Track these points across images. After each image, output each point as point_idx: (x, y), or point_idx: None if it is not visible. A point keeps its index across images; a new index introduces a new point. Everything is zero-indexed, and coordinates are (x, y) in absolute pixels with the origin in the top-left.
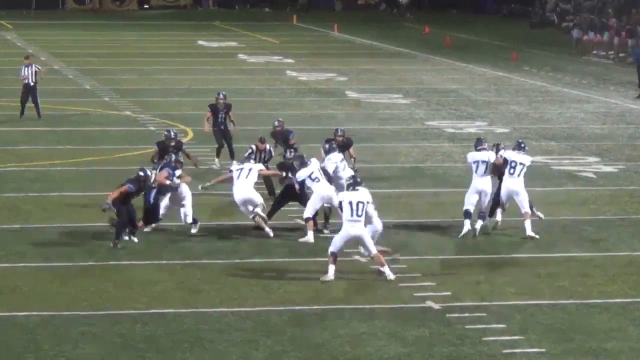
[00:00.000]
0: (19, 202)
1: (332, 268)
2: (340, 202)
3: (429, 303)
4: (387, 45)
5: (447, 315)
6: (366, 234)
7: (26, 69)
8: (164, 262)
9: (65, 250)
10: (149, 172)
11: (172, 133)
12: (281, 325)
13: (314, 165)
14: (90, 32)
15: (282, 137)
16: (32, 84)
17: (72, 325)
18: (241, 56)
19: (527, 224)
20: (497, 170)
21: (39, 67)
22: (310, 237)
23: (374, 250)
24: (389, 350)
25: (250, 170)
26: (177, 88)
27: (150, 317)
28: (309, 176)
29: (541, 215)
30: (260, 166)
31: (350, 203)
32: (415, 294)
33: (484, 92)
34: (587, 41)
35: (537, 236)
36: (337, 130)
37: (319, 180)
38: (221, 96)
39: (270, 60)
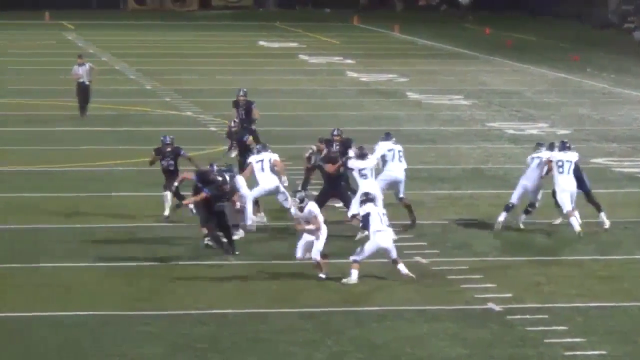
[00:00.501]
0: (81, 202)
1: (356, 273)
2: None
3: (490, 305)
4: (448, 46)
5: (508, 317)
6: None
7: (79, 67)
8: (226, 262)
9: (127, 250)
10: (227, 176)
11: (167, 138)
12: (342, 326)
13: (370, 162)
14: (151, 33)
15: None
16: (87, 82)
17: (134, 325)
18: (302, 57)
19: (574, 220)
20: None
21: (93, 65)
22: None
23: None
24: (449, 352)
25: (270, 160)
26: (237, 88)
27: (212, 317)
28: (360, 170)
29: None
30: (276, 155)
31: (378, 214)
32: (476, 296)
33: (546, 94)
34: None
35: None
36: (334, 130)
37: (367, 177)
38: (242, 93)
39: (331, 61)
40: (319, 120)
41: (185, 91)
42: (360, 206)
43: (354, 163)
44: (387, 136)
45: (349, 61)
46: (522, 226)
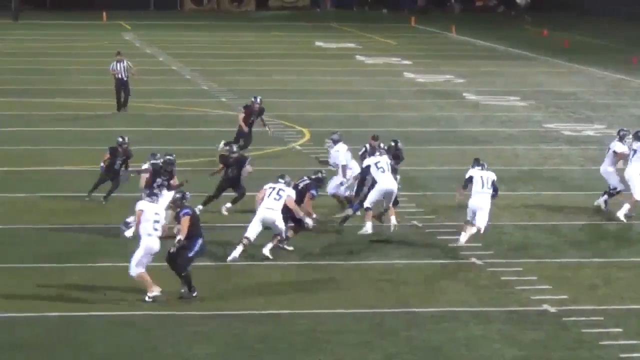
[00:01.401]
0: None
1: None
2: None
3: (545, 306)
4: (505, 47)
5: (564, 318)
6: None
7: (118, 64)
8: (280, 262)
9: None
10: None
11: (124, 139)
12: (396, 327)
13: (383, 157)
14: (208, 33)
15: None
16: (125, 78)
17: (187, 325)
18: (359, 57)
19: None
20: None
21: (130, 64)
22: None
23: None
24: (504, 354)
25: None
26: (294, 89)
27: (266, 317)
28: (376, 164)
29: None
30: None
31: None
32: (531, 297)
33: (603, 95)
34: None
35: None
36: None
37: (384, 170)
38: (258, 100)
39: (388, 61)
40: (376, 121)
41: (241, 91)
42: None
43: (367, 160)
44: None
45: (406, 62)
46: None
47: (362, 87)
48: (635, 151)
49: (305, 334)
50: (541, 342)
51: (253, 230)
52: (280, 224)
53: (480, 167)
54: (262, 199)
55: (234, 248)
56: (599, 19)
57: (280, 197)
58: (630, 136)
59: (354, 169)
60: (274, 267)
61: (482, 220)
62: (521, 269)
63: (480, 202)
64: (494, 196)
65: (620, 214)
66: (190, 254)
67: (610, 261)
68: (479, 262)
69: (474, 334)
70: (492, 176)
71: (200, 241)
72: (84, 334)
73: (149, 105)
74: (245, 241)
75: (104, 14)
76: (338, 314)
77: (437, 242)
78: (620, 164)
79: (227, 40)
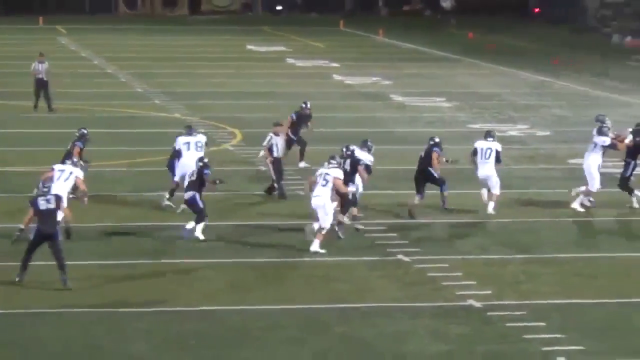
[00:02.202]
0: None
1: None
2: None
3: (470, 301)
4: (431, 50)
5: (488, 313)
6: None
7: (39, 65)
8: (216, 260)
9: (117, 249)
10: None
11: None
12: (327, 322)
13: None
14: (142, 37)
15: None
16: (45, 79)
17: (126, 322)
18: (289, 60)
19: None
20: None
21: (47, 66)
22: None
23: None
24: (431, 348)
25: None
26: (226, 91)
27: (201, 314)
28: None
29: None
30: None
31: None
32: (457, 293)
33: (526, 96)
34: (627, 46)
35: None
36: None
37: None
38: (308, 106)
39: (318, 64)
40: None
41: (174, 94)
42: None
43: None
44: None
45: (335, 64)
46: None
47: (292, 89)
48: (595, 144)
49: (238, 330)
50: (467, 337)
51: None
52: (329, 209)
53: (486, 139)
54: (312, 185)
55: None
56: (523, 23)
57: (327, 181)
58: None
59: None
60: (208, 265)
61: (495, 187)
62: (447, 265)
63: (483, 171)
64: (496, 164)
65: (576, 204)
66: None
67: (533, 257)
68: (406, 259)
69: (402, 329)
70: (493, 147)
71: None
72: (26, 332)
73: (84, 107)
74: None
75: (40, 18)
76: (270, 310)
77: (366, 240)
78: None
79: (160, 44)
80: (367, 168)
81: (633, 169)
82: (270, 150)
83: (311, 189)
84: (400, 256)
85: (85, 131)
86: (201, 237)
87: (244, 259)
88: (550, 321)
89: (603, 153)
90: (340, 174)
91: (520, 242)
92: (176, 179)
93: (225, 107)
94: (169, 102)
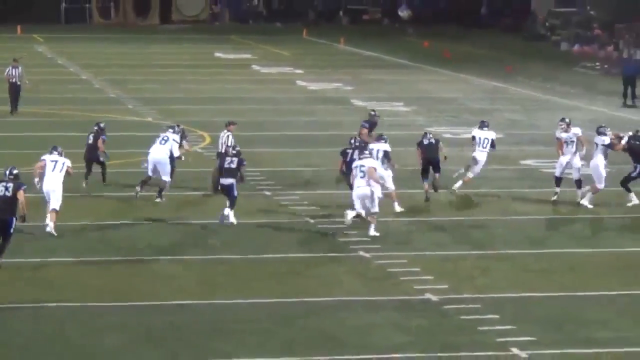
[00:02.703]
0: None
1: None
2: None
3: (428, 295)
4: (389, 57)
5: (445, 306)
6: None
7: (13, 70)
8: (185, 257)
9: (92, 247)
10: None
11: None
12: (293, 315)
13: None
14: (116, 45)
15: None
16: (18, 83)
17: (99, 317)
18: (255, 67)
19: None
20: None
21: (21, 71)
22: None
23: None
24: (392, 339)
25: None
26: (196, 97)
27: (172, 308)
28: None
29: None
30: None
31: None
32: (415, 287)
33: (480, 101)
34: (574, 53)
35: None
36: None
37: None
38: (377, 114)
39: (282, 70)
40: (272, 126)
41: (146, 99)
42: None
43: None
44: None
45: (299, 71)
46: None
47: (258, 95)
48: (596, 145)
49: (208, 323)
50: (425, 329)
51: (357, 206)
52: (375, 195)
53: (481, 128)
54: (353, 179)
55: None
56: (477, 31)
57: (364, 172)
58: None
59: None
60: (179, 261)
61: (477, 170)
62: (406, 261)
63: (478, 156)
64: (491, 150)
65: (585, 201)
66: None
67: (487, 253)
68: (367, 255)
69: (364, 321)
70: (489, 136)
71: None
72: (1, 326)
73: (61, 112)
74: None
75: (18, 27)
76: (239, 304)
77: (328, 237)
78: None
79: (133, 52)
80: (386, 154)
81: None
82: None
83: (352, 182)
84: (361, 253)
85: (103, 125)
86: (234, 221)
87: (213, 255)
88: (503, 314)
89: (606, 154)
90: (374, 163)
91: (474, 238)
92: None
93: (194, 112)
94: (142, 107)
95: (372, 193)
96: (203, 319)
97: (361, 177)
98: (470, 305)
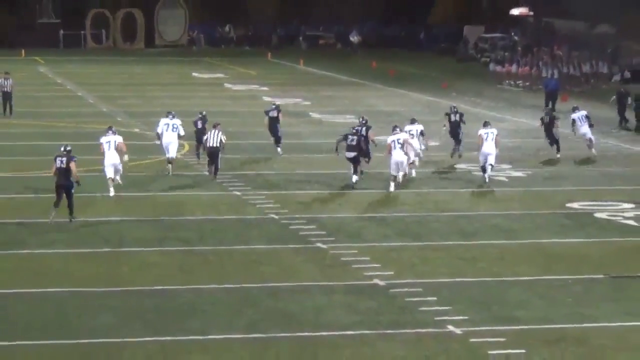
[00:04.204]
0: (51, 201)
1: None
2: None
3: (375, 281)
4: (342, 76)
5: (391, 290)
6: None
7: (5, 81)
8: (166, 248)
9: (86, 239)
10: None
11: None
12: (259, 298)
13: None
14: (107, 66)
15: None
16: (9, 91)
17: (93, 299)
18: (227, 85)
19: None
20: None
21: (12, 82)
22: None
23: None
24: (345, 319)
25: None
26: (176, 110)
27: (156, 292)
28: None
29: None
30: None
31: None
32: (365, 274)
33: (420, 114)
34: (501, 73)
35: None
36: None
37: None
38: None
39: (250, 88)
40: (242, 136)
41: (133, 113)
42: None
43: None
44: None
45: (264, 88)
46: None
47: (230, 109)
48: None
49: (187, 305)
50: (373, 309)
51: (393, 171)
52: (406, 161)
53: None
54: (390, 149)
55: (389, 184)
56: (418, 54)
57: (401, 144)
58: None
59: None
60: (161, 252)
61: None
62: (357, 251)
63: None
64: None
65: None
66: None
67: (427, 244)
68: (323, 246)
69: (320, 303)
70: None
71: None
72: (9, 309)
73: (60, 124)
74: (393, 179)
75: (23, 51)
76: (212, 288)
77: (290, 231)
78: None
79: (121, 72)
80: (422, 132)
81: None
82: (206, 140)
83: (390, 152)
84: (319, 244)
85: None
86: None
87: (190, 247)
88: (440, 296)
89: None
90: (406, 135)
91: (414, 232)
92: (167, 154)
93: None
94: (129, 119)
95: (406, 159)
96: (182, 301)
97: (399, 148)
98: (412, 289)
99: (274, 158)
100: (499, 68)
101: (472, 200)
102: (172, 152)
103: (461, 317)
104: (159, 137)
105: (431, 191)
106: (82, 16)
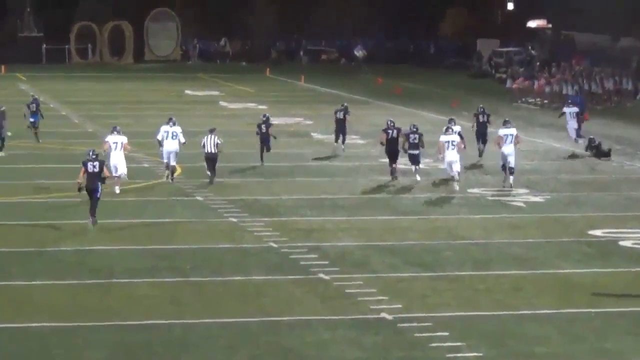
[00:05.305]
0: (36, 229)
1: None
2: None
3: (383, 314)
4: (346, 94)
5: (399, 324)
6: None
7: None
8: (157, 279)
9: (72, 269)
10: None
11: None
12: (257, 333)
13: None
14: (93, 83)
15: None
16: None
17: (78, 334)
18: (222, 103)
19: None
20: None
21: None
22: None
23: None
24: (348, 355)
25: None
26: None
27: (146, 327)
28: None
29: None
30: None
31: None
32: (371, 307)
33: (429, 133)
34: (517, 90)
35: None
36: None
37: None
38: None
39: (247, 106)
40: (238, 157)
41: (122, 133)
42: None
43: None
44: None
45: (263, 106)
46: None
47: (225, 128)
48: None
49: (179, 340)
50: (380, 345)
51: (449, 170)
52: (459, 160)
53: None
54: (442, 149)
55: (453, 181)
56: (428, 69)
57: (454, 145)
58: None
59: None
60: (152, 283)
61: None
62: (362, 282)
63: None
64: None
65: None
66: None
67: (438, 275)
68: (326, 277)
69: (323, 338)
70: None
71: None
72: None
73: (43, 145)
74: (452, 178)
75: (3, 67)
76: (207, 322)
77: (290, 261)
78: None
79: (109, 89)
80: (517, 137)
81: None
82: (203, 145)
83: (442, 152)
84: (321, 275)
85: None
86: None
87: (183, 277)
88: (453, 331)
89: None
90: (458, 137)
91: (424, 261)
92: (164, 160)
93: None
94: None
95: (457, 160)
96: (174, 336)
97: (452, 149)
98: (422, 324)
99: (273, 182)
100: (515, 84)
101: (487, 227)
102: (173, 161)
103: (475, 354)
104: (160, 144)
105: (442, 217)
106: (67, 29)
